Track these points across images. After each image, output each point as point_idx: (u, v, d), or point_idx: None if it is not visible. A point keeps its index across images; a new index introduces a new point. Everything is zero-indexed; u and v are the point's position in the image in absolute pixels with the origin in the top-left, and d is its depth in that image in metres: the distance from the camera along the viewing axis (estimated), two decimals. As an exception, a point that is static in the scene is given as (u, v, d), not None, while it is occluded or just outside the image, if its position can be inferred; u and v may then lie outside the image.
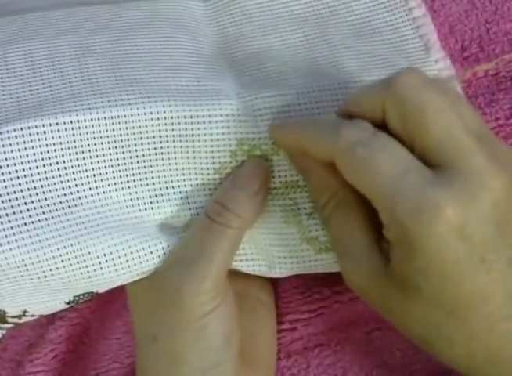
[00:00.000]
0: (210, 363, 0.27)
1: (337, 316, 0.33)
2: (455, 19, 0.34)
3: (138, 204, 0.28)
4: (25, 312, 0.29)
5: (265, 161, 0.28)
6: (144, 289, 0.28)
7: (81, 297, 0.29)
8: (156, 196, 0.28)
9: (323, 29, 0.31)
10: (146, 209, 0.28)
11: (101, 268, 0.27)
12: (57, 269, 0.26)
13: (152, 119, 0.27)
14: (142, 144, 0.27)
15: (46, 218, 0.26)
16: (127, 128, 0.27)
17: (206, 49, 0.31)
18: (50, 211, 0.26)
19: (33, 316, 0.30)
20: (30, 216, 0.26)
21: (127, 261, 0.27)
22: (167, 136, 0.28)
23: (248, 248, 0.30)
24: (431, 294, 0.23)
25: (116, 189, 0.28)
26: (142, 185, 0.28)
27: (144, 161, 0.28)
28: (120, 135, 0.27)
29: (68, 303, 0.29)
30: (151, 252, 0.27)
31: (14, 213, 0.26)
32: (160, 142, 0.28)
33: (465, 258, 0.22)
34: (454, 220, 0.21)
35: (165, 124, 0.27)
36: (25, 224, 0.26)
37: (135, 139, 0.27)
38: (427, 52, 0.31)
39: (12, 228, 0.25)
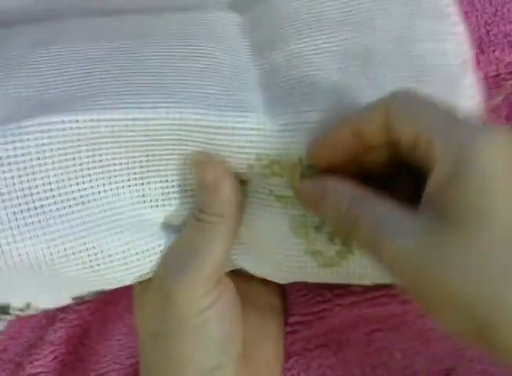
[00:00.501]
0: (209, 366, 0.27)
1: (338, 318, 0.33)
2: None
3: (151, 201, 0.28)
4: (29, 305, 0.29)
5: (206, 156, 0.28)
6: (145, 289, 0.29)
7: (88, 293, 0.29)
8: (168, 193, 0.28)
9: (360, 33, 0.30)
10: (157, 206, 0.28)
11: (113, 266, 0.27)
12: (69, 266, 0.26)
13: (173, 124, 0.27)
14: (159, 145, 0.27)
15: (60, 215, 0.26)
16: (147, 130, 0.27)
17: (236, 61, 0.30)
18: (64, 207, 0.26)
19: (36, 310, 0.30)
20: (44, 212, 0.26)
21: (138, 260, 0.27)
22: (186, 140, 0.27)
23: (253, 252, 0.30)
24: (500, 228, 0.21)
25: (129, 186, 0.28)
26: (155, 182, 0.28)
27: (160, 160, 0.28)
28: (140, 136, 0.27)
29: (74, 299, 0.29)
30: (161, 251, 0.28)
31: (29, 209, 0.26)
32: (179, 144, 0.27)
33: None
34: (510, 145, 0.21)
35: (186, 130, 0.27)
36: (39, 220, 0.26)
37: (152, 140, 0.27)
38: (462, 73, 0.29)
39: (26, 224, 0.25)
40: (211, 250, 0.27)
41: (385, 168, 0.26)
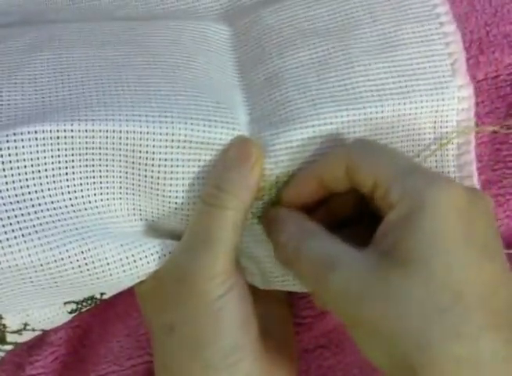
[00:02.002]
0: (230, 346, 0.27)
1: (338, 319, 0.33)
2: (454, 21, 0.34)
3: (140, 214, 0.28)
4: (26, 325, 0.29)
5: (252, 140, 0.28)
6: (153, 286, 0.29)
7: (84, 304, 0.29)
8: (157, 209, 0.28)
9: (344, 42, 0.30)
10: (148, 219, 0.29)
11: (109, 269, 0.27)
12: (66, 270, 0.26)
13: (166, 140, 0.27)
14: (152, 165, 0.27)
15: (53, 221, 0.26)
16: (140, 145, 0.27)
17: (224, 77, 0.31)
18: (57, 214, 0.26)
19: (34, 330, 0.30)
20: (38, 218, 0.26)
21: (134, 261, 0.27)
22: (177, 160, 0.28)
23: (244, 262, 0.30)
24: (437, 272, 0.22)
25: (120, 198, 0.28)
26: (145, 197, 0.28)
27: (152, 183, 0.28)
28: (133, 151, 0.27)
29: (71, 312, 0.29)
30: (157, 252, 0.28)
31: (23, 215, 0.26)
32: (171, 166, 0.28)
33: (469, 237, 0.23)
34: (462, 197, 0.23)
35: (178, 147, 0.27)
36: (33, 226, 0.26)
37: (146, 158, 0.27)
38: (452, 74, 0.29)
39: (21, 229, 0.26)
40: (227, 236, 0.27)
41: (353, 210, 0.28)
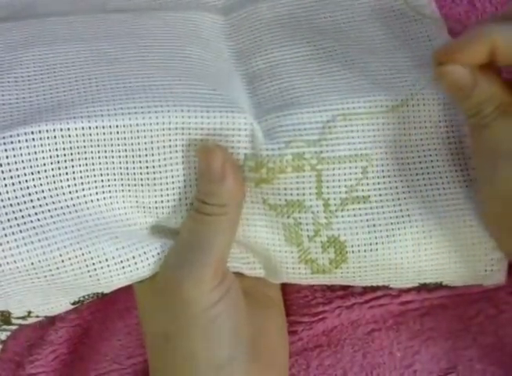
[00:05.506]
0: (223, 360, 0.27)
1: (338, 318, 0.33)
2: (455, 20, 0.34)
3: (144, 208, 0.28)
4: (30, 313, 0.29)
5: (213, 145, 0.28)
6: (149, 290, 0.29)
7: (87, 297, 0.29)
8: (162, 201, 0.28)
9: (342, 43, 0.31)
10: (151, 214, 0.28)
11: (109, 270, 0.27)
12: (66, 272, 0.26)
13: (163, 129, 0.27)
14: (152, 154, 0.27)
15: (54, 222, 0.26)
16: (138, 137, 0.27)
17: (221, 63, 0.31)
18: (58, 214, 0.26)
19: (37, 316, 0.30)
20: (38, 219, 0.26)
21: (135, 263, 0.27)
22: (176, 146, 0.28)
23: (249, 256, 0.30)
24: None
25: (123, 196, 0.28)
26: (149, 190, 0.28)
27: (154, 173, 0.28)
28: (132, 144, 0.27)
29: (73, 303, 0.29)
30: (158, 253, 0.28)
31: (23, 217, 0.26)
32: (170, 152, 0.28)
33: None
34: None
35: (176, 134, 0.27)
36: (34, 227, 0.26)
37: (146, 149, 0.27)
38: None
39: (21, 231, 0.26)
40: (215, 242, 0.27)
41: None
